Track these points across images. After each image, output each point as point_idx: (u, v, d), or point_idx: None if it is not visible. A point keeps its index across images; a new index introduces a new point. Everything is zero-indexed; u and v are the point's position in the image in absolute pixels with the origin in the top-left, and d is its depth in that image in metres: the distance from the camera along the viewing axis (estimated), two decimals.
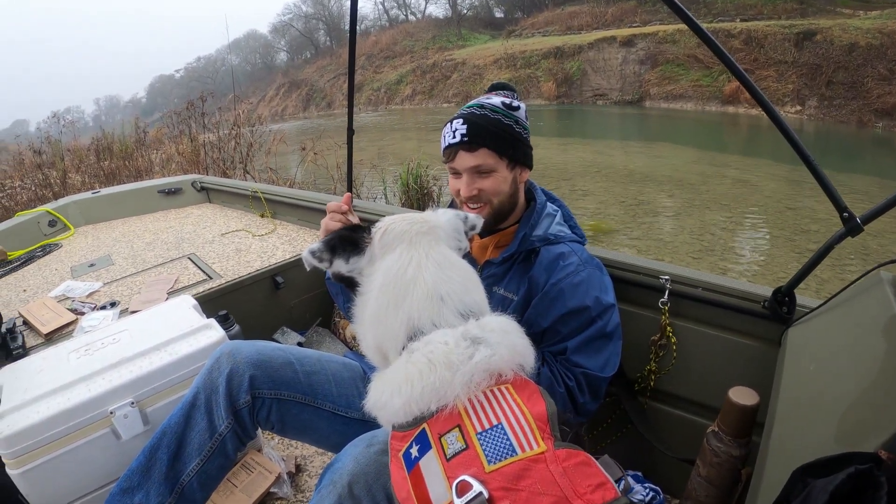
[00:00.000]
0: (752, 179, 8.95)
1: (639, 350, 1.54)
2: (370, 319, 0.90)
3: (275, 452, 1.73)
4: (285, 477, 1.64)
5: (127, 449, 1.45)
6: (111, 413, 1.42)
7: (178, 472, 1.26)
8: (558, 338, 1.29)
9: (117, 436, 1.45)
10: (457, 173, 1.36)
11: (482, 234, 1.45)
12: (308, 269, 0.95)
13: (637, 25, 25.07)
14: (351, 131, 2.19)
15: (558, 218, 1.43)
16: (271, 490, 1.60)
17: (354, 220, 1.36)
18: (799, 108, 16.78)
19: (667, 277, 1.46)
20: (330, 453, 1.60)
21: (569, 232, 1.42)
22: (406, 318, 0.84)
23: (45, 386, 1.42)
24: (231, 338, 1.97)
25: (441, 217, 1.01)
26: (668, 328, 1.47)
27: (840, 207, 1.09)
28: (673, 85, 20.57)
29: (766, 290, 1.35)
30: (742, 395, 1.10)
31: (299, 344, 2.30)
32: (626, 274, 1.56)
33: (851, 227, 1.08)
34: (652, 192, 8.31)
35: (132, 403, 1.45)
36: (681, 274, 1.48)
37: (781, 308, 1.29)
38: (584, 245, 1.43)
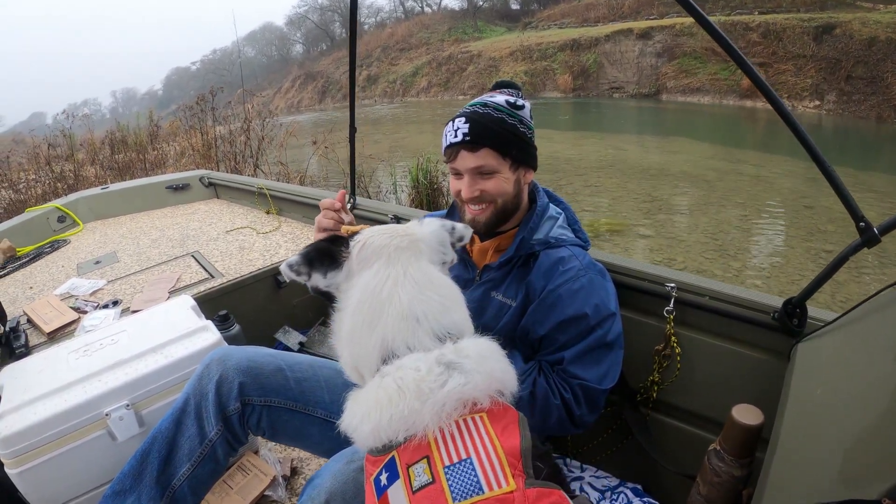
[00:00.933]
0: (769, 176, 8.78)
1: (642, 359, 1.50)
2: (346, 338, 0.87)
3: (271, 454, 1.72)
4: (280, 480, 1.63)
5: (123, 450, 1.44)
6: (107, 415, 1.42)
7: (169, 477, 1.26)
8: (555, 346, 1.25)
9: (113, 437, 1.45)
10: (458, 174, 1.32)
11: (483, 237, 1.41)
12: (287, 281, 0.93)
13: (654, 18, 24.72)
14: (353, 129, 2.16)
15: (561, 221, 1.39)
16: (266, 493, 1.59)
17: (348, 217, 1.33)
18: (817, 102, 16.46)
19: (672, 285, 1.41)
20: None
21: (571, 236, 1.37)
22: (380, 339, 0.81)
23: (44, 387, 1.43)
24: (231, 338, 1.96)
25: (425, 229, 0.96)
26: (673, 338, 1.43)
27: (856, 217, 1.03)
28: (690, 78, 20.30)
29: (777, 301, 1.29)
30: (745, 414, 1.05)
31: (301, 343, 2.29)
32: (630, 280, 1.51)
33: (868, 237, 1.02)
34: (666, 189, 8.20)
35: (127, 406, 1.45)
36: (687, 281, 1.43)
37: (792, 320, 1.24)
38: (587, 250, 1.38)
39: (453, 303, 0.87)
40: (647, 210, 7.08)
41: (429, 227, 0.97)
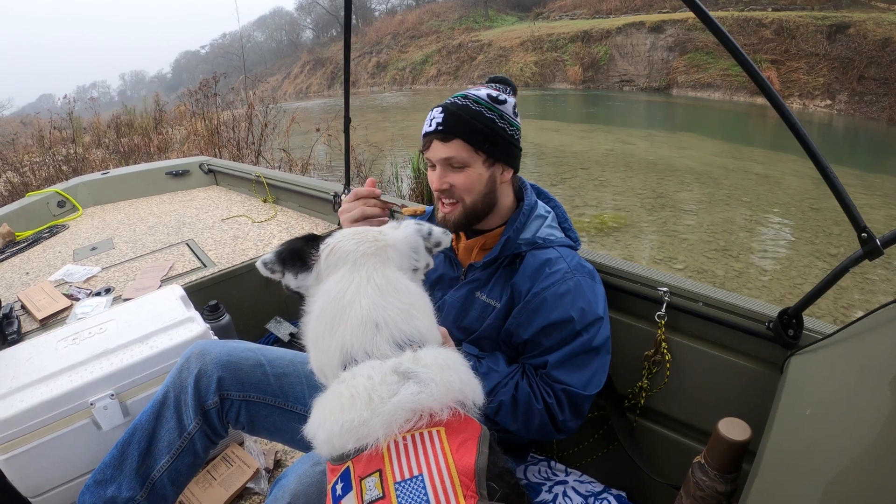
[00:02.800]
0: (777, 175, 8.65)
1: (631, 364, 1.47)
2: (311, 341, 0.86)
3: (256, 446, 1.72)
4: (263, 472, 1.63)
5: (107, 439, 1.45)
6: (92, 404, 1.42)
7: (148, 468, 1.27)
8: (539, 350, 1.23)
9: (98, 426, 1.46)
10: (433, 165, 1.30)
11: (468, 236, 1.39)
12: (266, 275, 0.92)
13: (667, 11, 24.38)
14: (347, 119, 2.13)
15: (549, 220, 1.35)
16: (249, 485, 1.59)
17: (389, 203, 1.35)
18: (829, 102, 16.22)
19: (665, 289, 1.38)
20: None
21: (560, 235, 1.34)
22: (340, 344, 0.79)
23: (31, 374, 1.44)
24: (221, 328, 1.96)
25: (398, 234, 0.93)
26: (664, 344, 1.40)
27: (858, 227, 0.99)
28: (701, 73, 20.06)
29: (772, 310, 1.25)
30: (732, 429, 1.02)
31: (292, 335, 2.28)
32: (622, 282, 1.47)
33: (870, 249, 0.97)
34: (672, 185, 8.11)
35: (112, 395, 1.45)
36: (681, 286, 1.39)
37: (787, 331, 1.20)
38: (576, 250, 1.35)
39: (417, 310, 0.85)
40: (651, 206, 7.01)
41: (402, 232, 0.94)
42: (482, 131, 1.23)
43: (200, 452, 1.30)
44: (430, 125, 1.26)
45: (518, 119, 1.31)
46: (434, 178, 1.29)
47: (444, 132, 1.23)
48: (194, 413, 1.26)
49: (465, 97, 1.26)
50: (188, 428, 1.26)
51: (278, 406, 1.31)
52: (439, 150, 1.25)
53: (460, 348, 1.31)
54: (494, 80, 1.35)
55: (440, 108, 1.26)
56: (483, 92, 1.28)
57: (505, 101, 1.27)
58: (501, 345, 1.32)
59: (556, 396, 1.19)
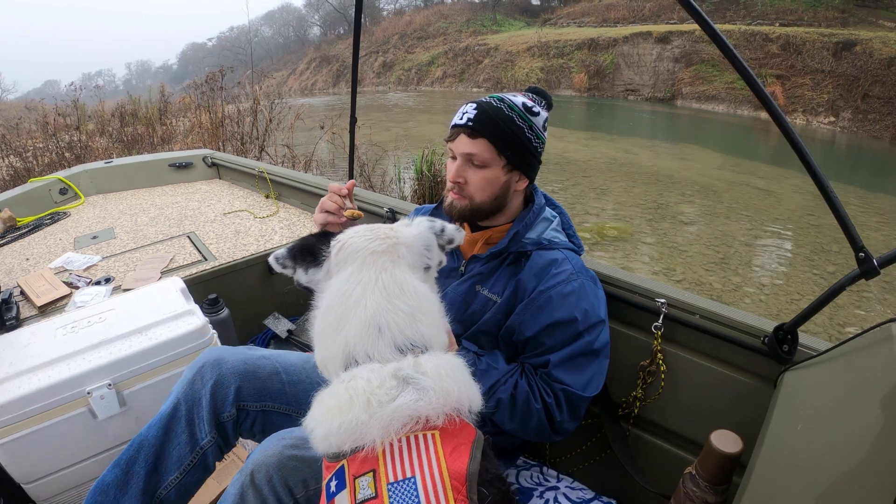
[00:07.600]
0: (778, 190, 8.66)
1: (626, 373, 1.48)
2: (317, 337, 0.86)
3: (249, 442, 1.71)
4: None
5: (103, 428, 1.47)
6: (88, 393, 1.42)
7: (155, 485, 1.20)
8: (541, 349, 1.24)
9: (94, 415, 1.45)
10: (454, 156, 1.33)
11: (473, 229, 1.41)
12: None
13: (674, 22, 24.44)
14: (353, 119, 2.15)
15: (555, 224, 1.38)
16: None
17: (352, 205, 1.35)
18: (832, 119, 16.26)
19: (663, 300, 1.40)
20: None
21: (564, 239, 1.37)
22: (343, 344, 0.80)
23: (29, 361, 1.44)
24: (219, 322, 1.97)
25: (410, 231, 0.92)
26: (659, 354, 1.41)
27: (856, 246, 1.00)
28: (706, 85, 20.08)
29: (768, 325, 1.26)
30: (724, 441, 1.04)
31: (289, 331, 2.29)
32: (620, 292, 1.49)
33: (867, 269, 0.98)
34: (673, 196, 8.12)
35: (109, 385, 1.45)
36: (678, 298, 1.41)
37: (781, 346, 1.21)
38: (580, 255, 1.37)
39: (423, 314, 0.84)
40: (652, 217, 7.02)
41: (414, 230, 0.93)
42: (510, 137, 1.25)
43: (211, 465, 1.26)
44: (461, 118, 1.28)
45: (545, 133, 1.34)
46: (452, 169, 1.31)
47: (473, 129, 1.26)
48: (209, 426, 1.21)
49: (501, 100, 1.29)
50: (201, 442, 1.21)
51: (290, 414, 1.29)
52: (464, 144, 1.28)
53: (460, 344, 1.32)
54: (532, 91, 1.37)
55: (474, 105, 1.28)
56: (519, 99, 1.30)
57: (538, 114, 1.30)
58: (500, 342, 1.33)
59: (555, 396, 1.20)
